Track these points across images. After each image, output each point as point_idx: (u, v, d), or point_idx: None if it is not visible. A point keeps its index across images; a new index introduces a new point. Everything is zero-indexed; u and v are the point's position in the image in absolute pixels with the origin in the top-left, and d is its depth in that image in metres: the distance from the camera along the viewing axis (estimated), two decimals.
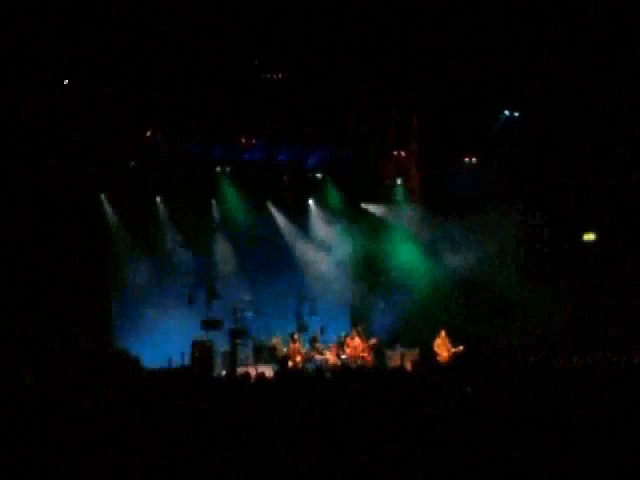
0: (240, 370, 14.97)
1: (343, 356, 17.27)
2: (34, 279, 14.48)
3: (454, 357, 16.76)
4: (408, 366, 16.27)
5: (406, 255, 19.40)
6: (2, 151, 13.79)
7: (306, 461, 6.00)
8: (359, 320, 19.14)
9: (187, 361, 15.99)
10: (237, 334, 17.06)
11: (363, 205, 20.11)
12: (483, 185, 18.46)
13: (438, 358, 17.03)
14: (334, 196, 19.68)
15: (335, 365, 16.64)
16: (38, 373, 12.25)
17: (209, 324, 16.61)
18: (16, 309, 13.99)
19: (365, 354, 17.57)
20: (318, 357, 17.11)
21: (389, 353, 18.16)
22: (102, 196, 16.70)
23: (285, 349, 17.14)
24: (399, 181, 19.80)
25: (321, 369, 14.87)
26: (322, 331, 18.04)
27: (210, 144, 16.72)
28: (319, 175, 19.52)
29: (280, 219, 19.37)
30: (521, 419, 6.80)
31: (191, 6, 13.28)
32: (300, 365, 16.52)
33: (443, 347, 17.26)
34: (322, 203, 19.79)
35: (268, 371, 14.29)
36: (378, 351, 18.09)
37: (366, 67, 15.47)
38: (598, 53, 14.95)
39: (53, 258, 14.81)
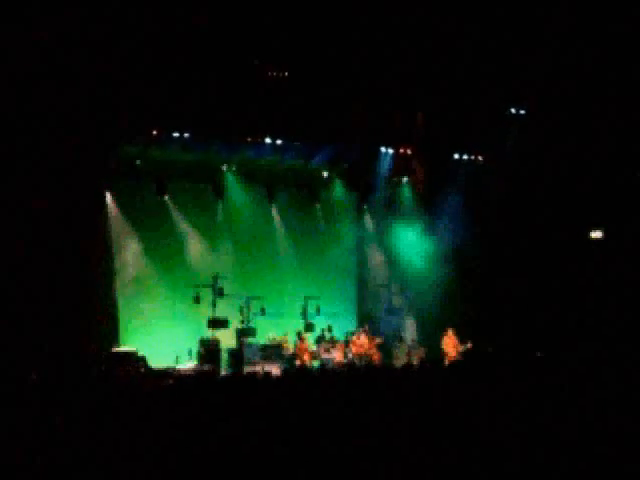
0: (247, 369, 14.99)
1: (350, 354, 17.28)
2: (40, 278, 14.47)
3: (462, 354, 16.72)
4: (415, 364, 16.25)
5: (413, 254, 19.34)
6: (6, 148, 13.77)
7: (310, 460, 5.99)
8: (365, 319, 19.12)
9: (194, 360, 16.02)
10: (244, 333, 17.05)
11: (368, 204, 20.10)
12: (488, 182, 18.40)
13: (446, 356, 17.00)
14: (340, 194, 19.66)
15: (342, 363, 16.66)
16: (44, 373, 12.27)
17: (216, 323, 16.61)
18: (22, 309, 13.99)
19: (372, 352, 17.56)
20: (325, 356, 17.10)
21: (395, 351, 18.14)
22: (107, 194, 16.71)
23: (292, 348, 17.14)
24: (405, 179, 19.78)
25: (325, 367, 14.90)
26: (329, 330, 18.04)
27: (216, 142, 16.71)
28: (325, 173, 19.50)
29: (286, 217, 19.36)
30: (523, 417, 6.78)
31: (197, 4, 13.30)
32: (308, 364, 16.52)
33: (451, 345, 17.25)
34: (328, 201, 19.77)
35: (275, 370, 14.30)
36: (384, 349, 18.08)
37: (371, 65, 15.46)
38: (604, 51, 14.90)
39: (59, 257, 14.82)
